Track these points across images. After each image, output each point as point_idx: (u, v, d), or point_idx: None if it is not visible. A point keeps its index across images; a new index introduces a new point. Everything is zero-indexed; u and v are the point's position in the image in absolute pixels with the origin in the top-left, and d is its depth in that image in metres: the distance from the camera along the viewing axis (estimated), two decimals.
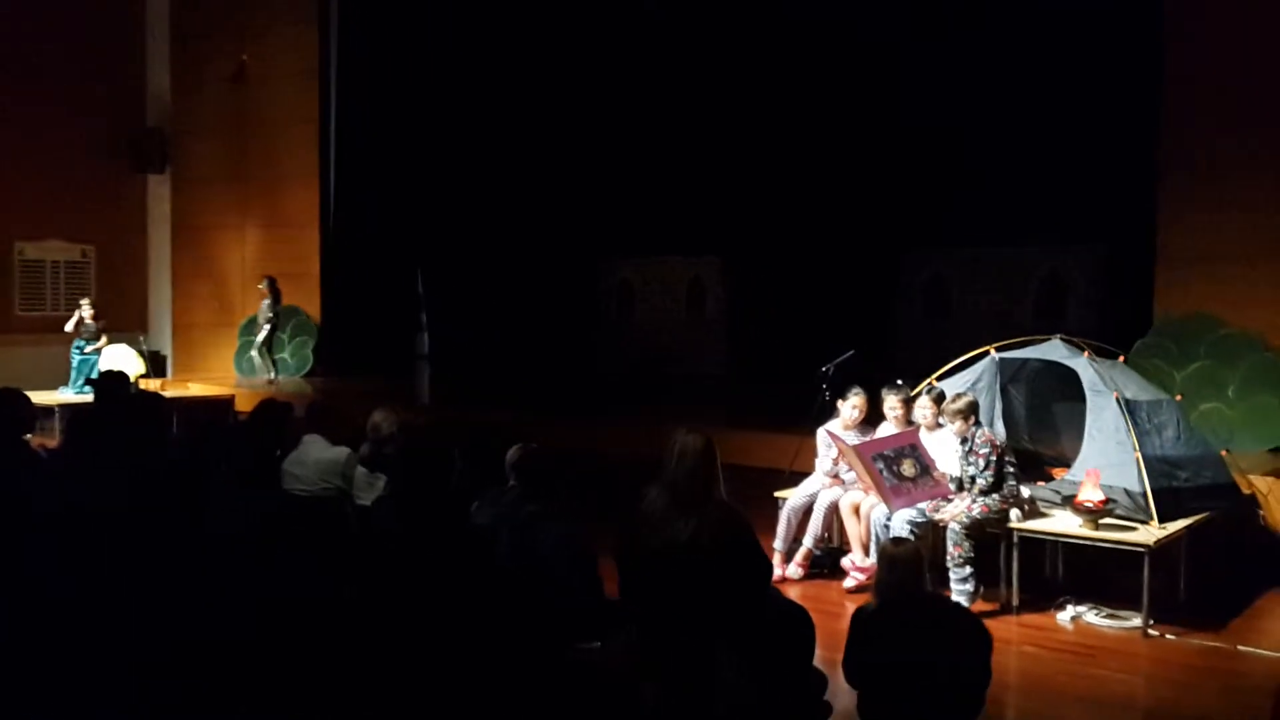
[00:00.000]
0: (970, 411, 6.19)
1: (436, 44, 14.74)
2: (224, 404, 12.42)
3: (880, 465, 6.28)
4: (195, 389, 13.37)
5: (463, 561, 3.80)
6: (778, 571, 6.61)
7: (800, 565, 6.74)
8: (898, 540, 4.65)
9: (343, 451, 5.34)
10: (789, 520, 6.82)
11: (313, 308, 15.02)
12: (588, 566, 4.70)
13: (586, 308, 15.87)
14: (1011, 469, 6.23)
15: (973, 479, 6.14)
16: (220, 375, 14.86)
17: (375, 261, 15.03)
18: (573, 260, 15.50)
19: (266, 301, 14.00)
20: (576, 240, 15.04)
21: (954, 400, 6.29)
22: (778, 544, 6.76)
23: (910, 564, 4.31)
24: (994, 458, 6.08)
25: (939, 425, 6.55)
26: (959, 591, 6.01)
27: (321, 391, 13.10)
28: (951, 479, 6.29)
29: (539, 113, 14.26)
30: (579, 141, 14.22)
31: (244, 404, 11.83)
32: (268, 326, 13.98)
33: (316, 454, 5.36)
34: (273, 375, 13.97)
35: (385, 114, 14.90)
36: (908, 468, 6.29)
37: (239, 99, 15.52)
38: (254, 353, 14.13)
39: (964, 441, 6.22)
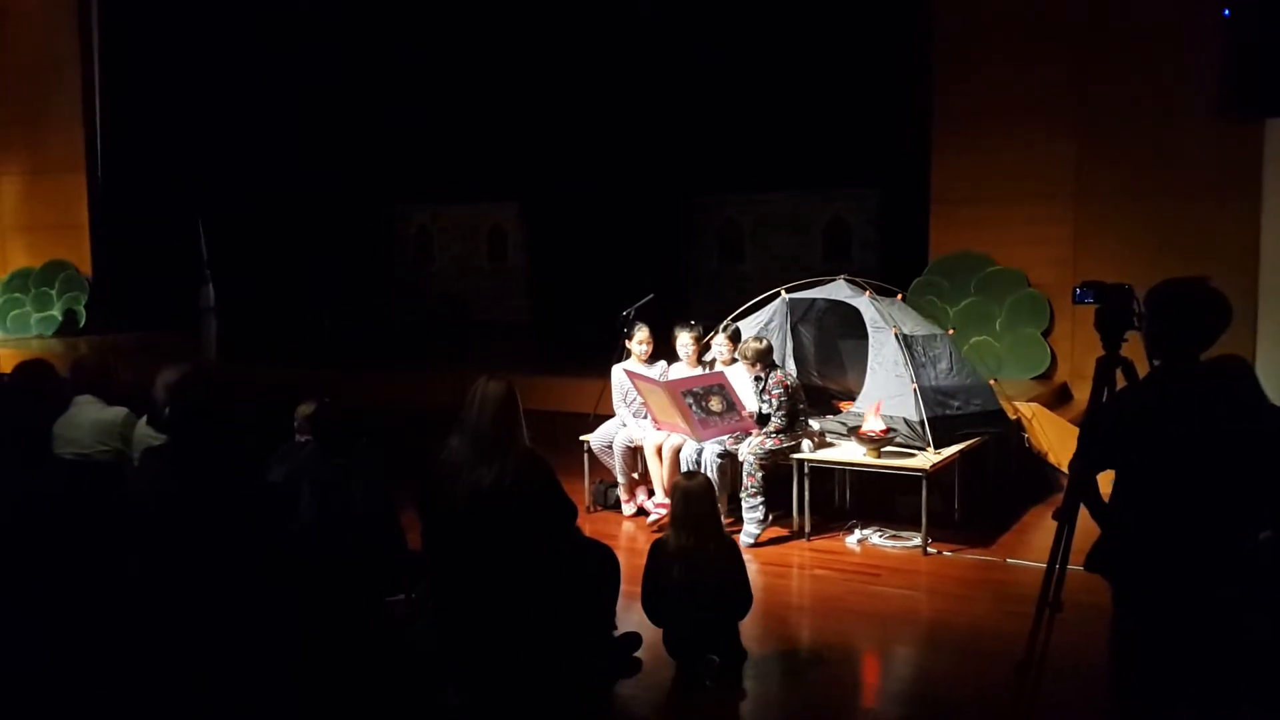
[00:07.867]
0: (760, 358, 6.42)
1: None
2: None
3: (690, 401, 6.45)
4: None
5: (252, 520, 3.67)
6: (629, 502, 6.88)
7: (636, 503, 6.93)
8: (689, 474, 4.81)
9: (120, 411, 5.05)
10: (611, 458, 6.92)
11: (83, 261, 13.99)
12: (391, 519, 4.63)
13: (383, 256, 15.47)
14: (802, 405, 6.53)
15: (768, 417, 6.40)
16: None
17: (152, 210, 14.07)
18: (366, 207, 15.03)
19: None
20: (369, 187, 14.57)
21: (752, 341, 6.51)
22: (624, 479, 6.90)
23: (702, 496, 4.49)
24: (785, 397, 6.35)
25: (734, 360, 6.77)
26: (750, 519, 6.27)
27: (97, 350, 12.26)
28: (751, 413, 6.53)
29: (330, 52, 13.63)
30: (371, 84, 13.72)
31: (9, 364, 10.93)
32: None
33: (93, 415, 5.05)
34: None
35: (156, 52, 13.87)
36: (715, 404, 6.49)
37: None
38: None
39: (758, 380, 6.47)
